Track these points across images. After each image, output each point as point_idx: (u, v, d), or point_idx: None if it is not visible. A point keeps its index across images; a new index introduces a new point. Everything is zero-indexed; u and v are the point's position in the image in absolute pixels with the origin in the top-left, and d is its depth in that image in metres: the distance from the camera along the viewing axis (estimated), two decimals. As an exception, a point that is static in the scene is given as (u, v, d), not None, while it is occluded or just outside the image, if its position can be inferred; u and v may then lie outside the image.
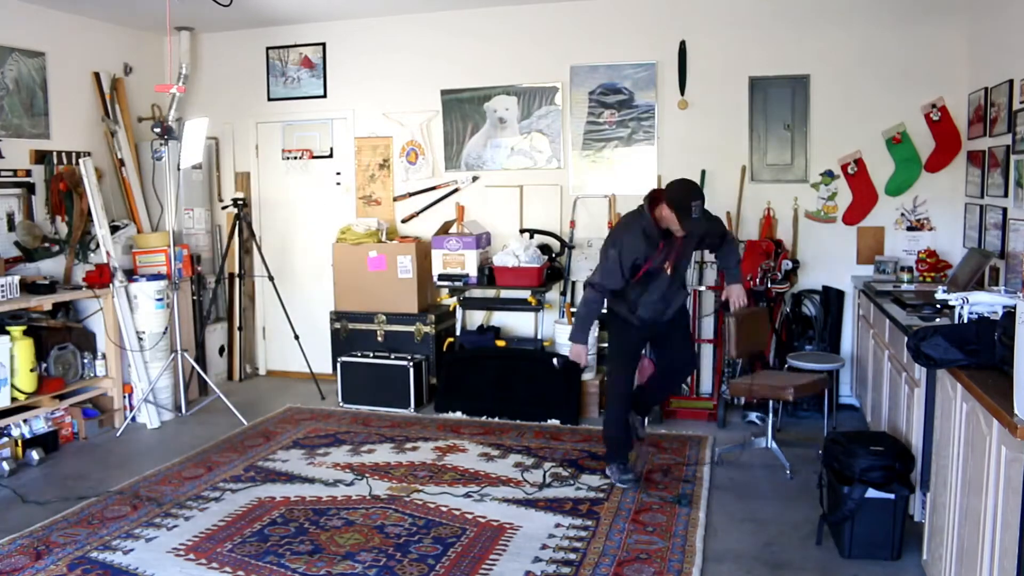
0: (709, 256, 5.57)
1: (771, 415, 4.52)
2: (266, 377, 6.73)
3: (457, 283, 5.59)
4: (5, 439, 4.59)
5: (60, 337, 5.06)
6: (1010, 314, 2.57)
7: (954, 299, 2.96)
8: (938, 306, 3.75)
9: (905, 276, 4.87)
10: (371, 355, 5.72)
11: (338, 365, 5.72)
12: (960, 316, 2.98)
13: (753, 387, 4.45)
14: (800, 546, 3.49)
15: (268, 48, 6.47)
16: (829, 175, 5.40)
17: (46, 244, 5.24)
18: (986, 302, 2.92)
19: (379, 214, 6.29)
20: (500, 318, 6.11)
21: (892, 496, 3.25)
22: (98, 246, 5.35)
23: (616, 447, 4.25)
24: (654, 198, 3.90)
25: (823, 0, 5.29)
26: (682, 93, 5.58)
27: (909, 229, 5.32)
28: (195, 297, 6.08)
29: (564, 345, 5.42)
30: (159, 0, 5.20)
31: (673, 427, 5.15)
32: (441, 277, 5.63)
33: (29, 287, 4.86)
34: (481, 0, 5.71)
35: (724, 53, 5.48)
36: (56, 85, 5.54)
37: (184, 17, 5.97)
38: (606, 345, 5.69)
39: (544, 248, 5.67)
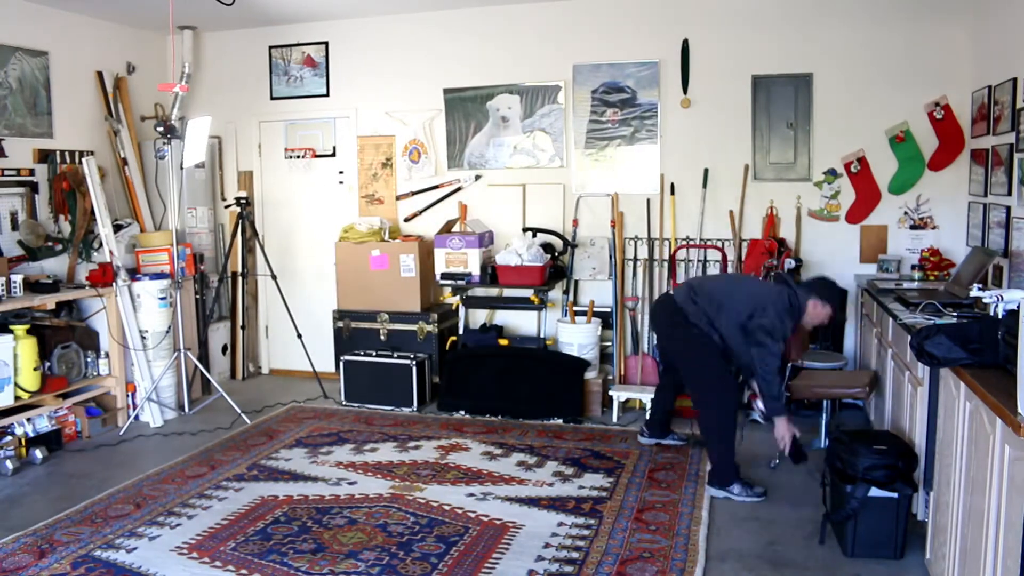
0: (713, 255, 5.57)
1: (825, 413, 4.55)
2: (269, 376, 6.74)
3: (460, 282, 5.59)
4: (9, 438, 4.60)
5: (63, 336, 5.07)
6: (1014, 313, 2.57)
7: (988, 296, 2.95)
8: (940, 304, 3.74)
9: (917, 275, 4.87)
10: (374, 354, 5.72)
11: (341, 364, 5.73)
12: (995, 313, 2.95)
13: (816, 388, 4.40)
14: (803, 545, 3.48)
15: (271, 47, 6.48)
16: (832, 174, 5.39)
17: (49, 243, 5.25)
18: (1019, 299, 2.89)
19: (382, 213, 6.29)
20: (503, 317, 6.11)
21: (895, 495, 3.24)
22: (101, 245, 5.36)
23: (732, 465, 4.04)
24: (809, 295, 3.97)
25: (826, -2, 5.30)
26: (685, 92, 5.58)
27: (912, 228, 5.31)
28: (198, 296, 6.09)
29: (567, 344, 5.43)
30: (162, -1, 5.21)
31: (676, 425, 5.13)
32: (444, 276, 5.64)
33: (32, 286, 4.87)
34: (484, -1, 5.73)
35: (727, 51, 5.48)
36: (59, 84, 5.55)
37: (187, 16, 5.98)
38: (608, 344, 5.72)
39: (547, 247, 5.67)
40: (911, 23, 5.17)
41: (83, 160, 5.34)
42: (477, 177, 6.07)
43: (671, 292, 4.44)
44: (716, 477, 4.04)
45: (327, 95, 6.39)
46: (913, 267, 5.05)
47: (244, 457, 4.67)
